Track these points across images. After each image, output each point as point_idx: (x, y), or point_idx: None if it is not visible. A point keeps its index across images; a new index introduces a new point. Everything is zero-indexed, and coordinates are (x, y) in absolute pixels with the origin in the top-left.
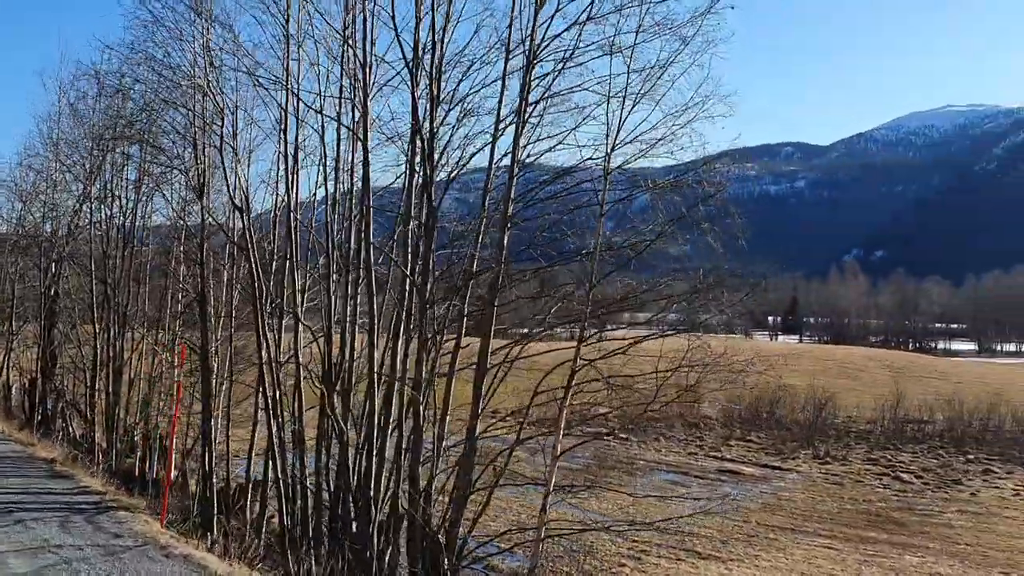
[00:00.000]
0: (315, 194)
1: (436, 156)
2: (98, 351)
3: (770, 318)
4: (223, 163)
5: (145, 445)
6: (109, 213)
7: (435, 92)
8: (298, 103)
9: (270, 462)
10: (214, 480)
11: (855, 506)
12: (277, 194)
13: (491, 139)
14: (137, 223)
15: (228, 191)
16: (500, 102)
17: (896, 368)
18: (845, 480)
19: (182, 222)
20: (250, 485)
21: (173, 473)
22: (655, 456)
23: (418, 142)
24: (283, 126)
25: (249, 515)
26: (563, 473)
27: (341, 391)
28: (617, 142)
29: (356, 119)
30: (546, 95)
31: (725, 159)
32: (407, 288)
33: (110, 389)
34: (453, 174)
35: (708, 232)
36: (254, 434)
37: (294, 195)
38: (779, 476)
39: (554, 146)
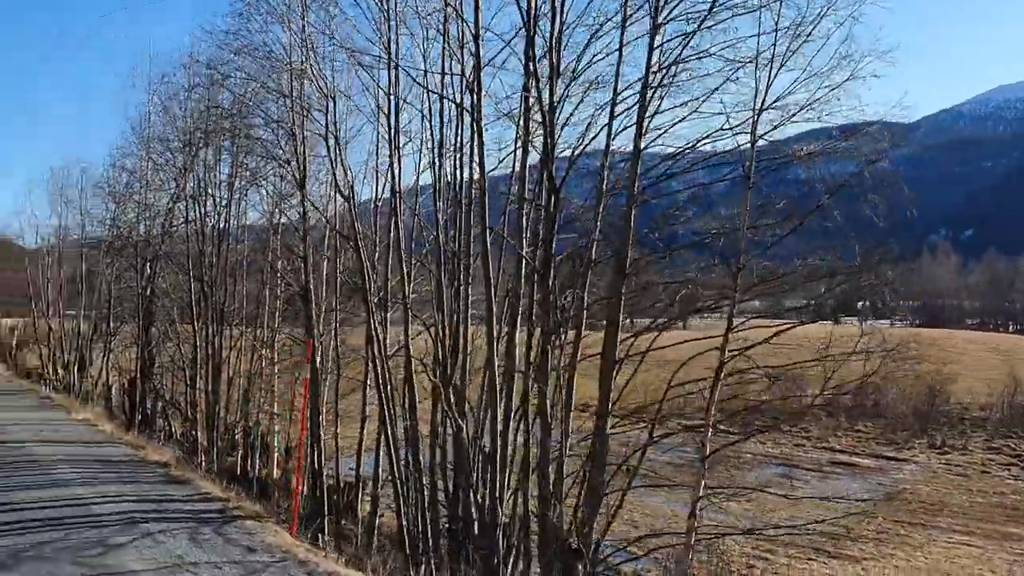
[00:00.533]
0: (417, 180)
1: (556, 133)
2: (197, 349)
3: (859, 303)
4: (328, 150)
5: (246, 443)
6: (203, 211)
7: (554, 62)
8: (398, 82)
9: (385, 459)
10: (323, 478)
11: (987, 499)
12: (376, 182)
13: (608, 113)
14: (231, 220)
15: (334, 179)
16: (618, 72)
17: (1003, 351)
18: (969, 471)
19: (278, 216)
20: (359, 483)
21: (276, 471)
22: (760, 448)
23: (538, 117)
24: (387, 108)
25: (360, 514)
26: (668, 469)
27: (457, 385)
28: (763, 106)
29: (463, 95)
30: (677, 60)
31: (876, 126)
32: (523, 275)
33: (210, 387)
34: (577, 152)
35: (874, 203)
36: (363, 430)
37: (398, 181)
38: (896, 467)
39: (686, 116)
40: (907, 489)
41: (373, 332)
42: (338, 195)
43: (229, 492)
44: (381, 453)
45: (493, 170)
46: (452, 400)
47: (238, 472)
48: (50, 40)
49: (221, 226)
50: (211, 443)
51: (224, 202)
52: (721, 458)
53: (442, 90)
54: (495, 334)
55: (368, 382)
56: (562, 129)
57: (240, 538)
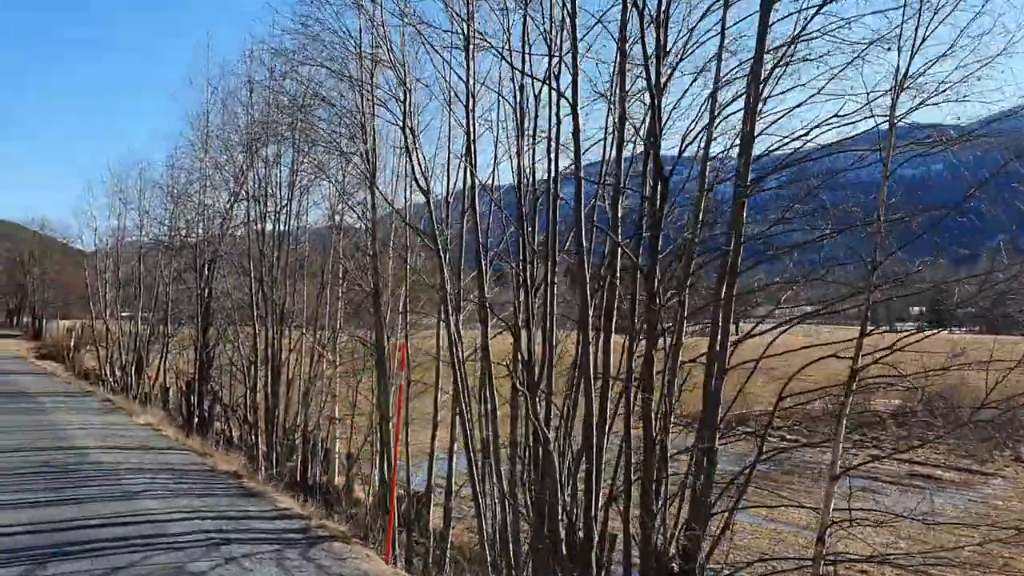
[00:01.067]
0: (494, 172)
1: (663, 118)
2: (256, 352)
3: (913, 309)
4: (406, 141)
5: (305, 448)
6: (263, 210)
7: (662, 39)
8: (474, 65)
9: (472, 469)
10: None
11: None
12: (447, 175)
13: (711, 95)
14: (292, 219)
15: (412, 172)
16: (720, 51)
17: None
18: None
19: (340, 215)
20: (430, 494)
21: (338, 478)
22: (829, 458)
23: (646, 99)
24: (464, 94)
25: (431, 527)
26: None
27: (544, 393)
28: (902, 86)
29: (550, 76)
30: (801, 35)
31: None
32: (617, 274)
33: (269, 390)
34: (689, 139)
35: None
36: (434, 438)
37: (474, 171)
38: (982, 481)
39: (805, 100)
40: (1000, 505)
41: (454, 333)
42: (409, 189)
43: (308, 508)
44: (453, 462)
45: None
46: (538, 408)
47: (298, 478)
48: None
49: (281, 227)
50: (270, 447)
51: (285, 201)
52: (791, 468)
53: (528, 69)
54: (590, 338)
55: (439, 387)
56: (670, 112)
57: (331, 564)
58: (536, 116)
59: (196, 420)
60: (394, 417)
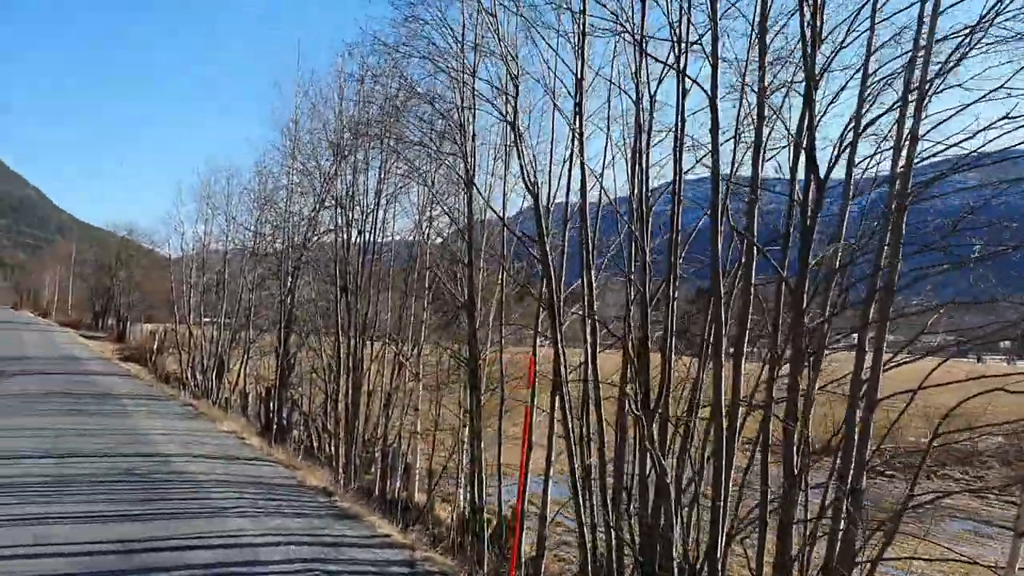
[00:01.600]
0: (602, 175)
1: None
2: (340, 361)
3: (1003, 343)
4: (517, 138)
5: (384, 462)
6: (349, 217)
7: (817, 25)
8: (584, 60)
9: (578, 495)
10: (483, 510)
11: None
12: (550, 178)
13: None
14: (378, 226)
15: (522, 171)
16: (869, 45)
17: None
18: None
19: (428, 222)
20: (523, 519)
21: (418, 495)
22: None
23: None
24: (576, 90)
25: (522, 555)
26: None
27: (663, 418)
28: None
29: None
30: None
31: None
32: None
33: (349, 401)
34: (847, 141)
35: None
36: (526, 460)
37: (585, 173)
38: None
39: (983, 97)
40: None
41: (559, 349)
42: (507, 194)
43: (410, 536)
44: (550, 488)
45: (690, 169)
46: (654, 435)
47: (376, 492)
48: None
49: (368, 235)
50: (349, 459)
51: (371, 207)
52: (891, 504)
53: (645, 62)
54: (723, 358)
55: (535, 405)
56: (826, 110)
57: None
58: (652, 114)
59: (275, 427)
60: (492, 432)
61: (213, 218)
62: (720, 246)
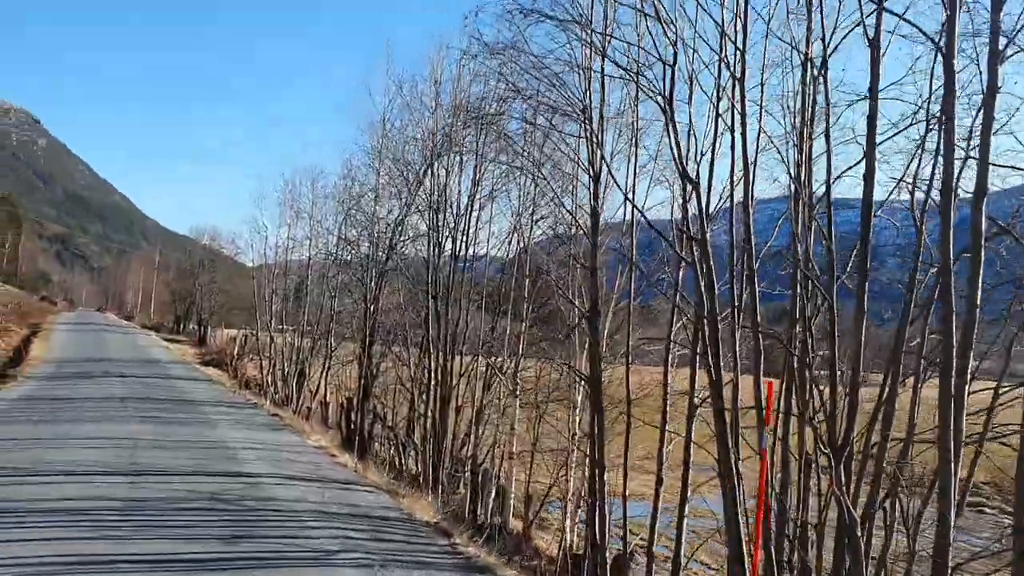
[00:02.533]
0: (752, 173)
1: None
2: (430, 373)
3: None
4: (670, 118)
5: (474, 482)
6: (440, 220)
7: None
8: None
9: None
10: (605, 547)
11: None
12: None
13: None
14: (471, 230)
15: (676, 158)
16: None
17: None
18: None
19: (528, 225)
20: (651, 556)
21: (512, 521)
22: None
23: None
24: (738, 63)
25: None
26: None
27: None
28: None
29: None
30: None
31: None
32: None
33: (437, 416)
34: None
35: None
36: (659, 492)
37: (749, 163)
38: None
39: None
40: None
41: (718, 366)
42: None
43: None
44: (684, 525)
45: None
46: (841, 477)
47: (466, 514)
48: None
49: (460, 241)
50: (435, 478)
51: (465, 208)
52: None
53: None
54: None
55: (668, 428)
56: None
57: None
58: (814, 100)
59: (357, 439)
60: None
61: (296, 221)
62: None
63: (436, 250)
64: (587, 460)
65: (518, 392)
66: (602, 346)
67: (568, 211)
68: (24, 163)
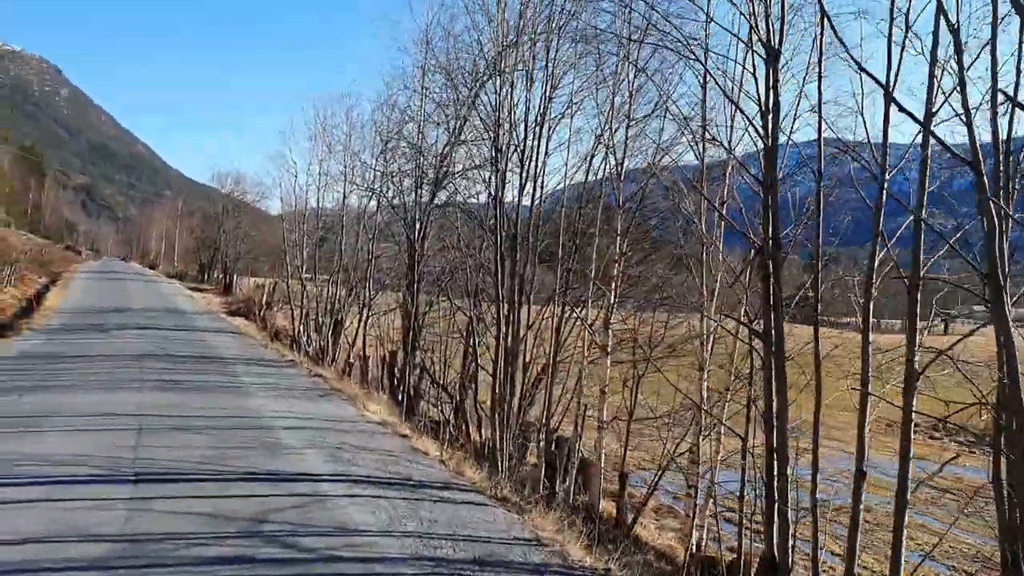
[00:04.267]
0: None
1: None
2: (499, 323)
3: None
4: None
5: (549, 452)
6: (502, 141)
7: None
8: None
9: None
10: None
11: None
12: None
13: None
14: (541, 156)
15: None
16: None
17: None
18: None
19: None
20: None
21: (602, 500)
22: None
23: None
24: None
25: None
26: None
27: None
28: None
29: None
30: None
31: None
32: None
33: (502, 375)
34: None
35: None
36: (858, 495)
37: None
38: None
39: None
40: None
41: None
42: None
43: None
44: (904, 542)
45: None
46: None
47: (540, 488)
48: None
49: (527, 170)
50: (500, 445)
51: (533, 127)
52: None
53: None
54: None
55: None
56: None
57: None
58: None
59: (402, 397)
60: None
61: (329, 157)
62: None
63: (498, 179)
64: (764, 446)
65: (609, 349)
66: (780, 290)
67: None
68: (47, 114)
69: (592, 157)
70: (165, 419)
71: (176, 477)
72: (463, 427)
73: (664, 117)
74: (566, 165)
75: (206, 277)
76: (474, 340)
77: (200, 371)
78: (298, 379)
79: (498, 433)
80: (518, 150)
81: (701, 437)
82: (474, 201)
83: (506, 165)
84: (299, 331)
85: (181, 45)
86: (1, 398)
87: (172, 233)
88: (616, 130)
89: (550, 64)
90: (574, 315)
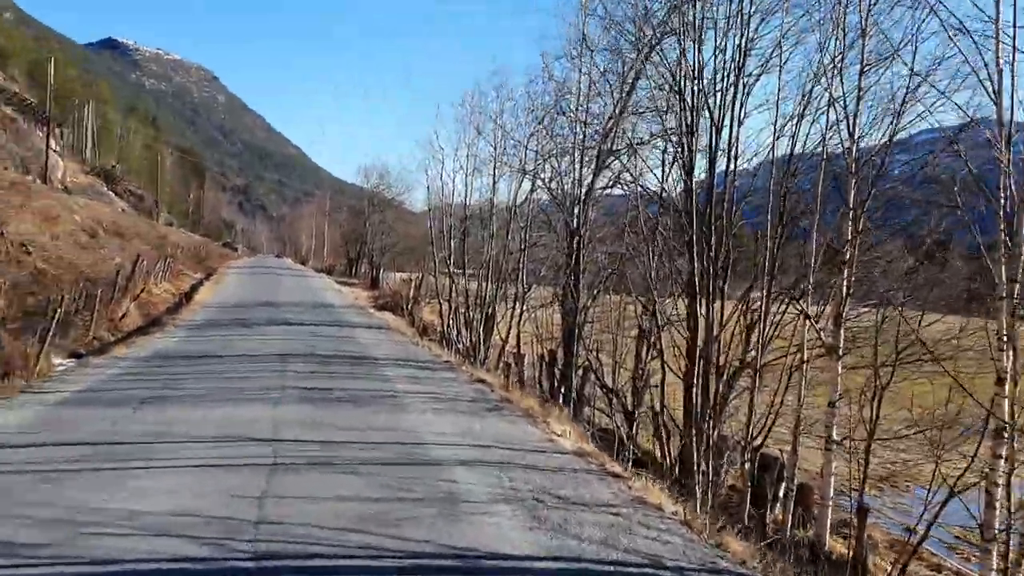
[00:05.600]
0: None
1: None
2: (695, 320)
3: None
4: None
5: (755, 474)
6: (690, 109)
7: None
8: None
9: None
10: None
11: None
12: None
13: None
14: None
15: None
16: None
17: None
18: None
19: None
20: None
21: (830, 540)
22: None
23: None
24: None
25: None
26: None
27: None
28: None
29: None
30: None
31: None
32: None
33: (696, 381)
34: None
35: None
36: None
37: None
38: None
39: None
40: None
41: None
42: None
43: None
44: None
45: None
46: None
47: (745, 518)
48: None
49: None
50: (696, 464)
51: (722, 97)
52: None
53: None
54: None
55: None
56: None
57: None
58: None
59: (562, 400)
60: None
61: (479, 138)
62: None
63: (687, 148)
64: None
65: (839, 350)
66: None
67: None
68: (205, 119)
69: (801, 118)
70: (306, 447)
71: (317, 568)
72: (631, 433)
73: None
74: (775, 127)
75: (353, 271)
76: (649, 339)
77: (348, 375)
78: (459, 386)
79: (692, 448)
80: (704, 116)
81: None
82: (646, 181)
83: (692, 133)
84: (448, 326)
85: (327, 49)
86: (112, 412)
87: (321, 229)
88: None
89: (745, 8)
90: (789, 309)
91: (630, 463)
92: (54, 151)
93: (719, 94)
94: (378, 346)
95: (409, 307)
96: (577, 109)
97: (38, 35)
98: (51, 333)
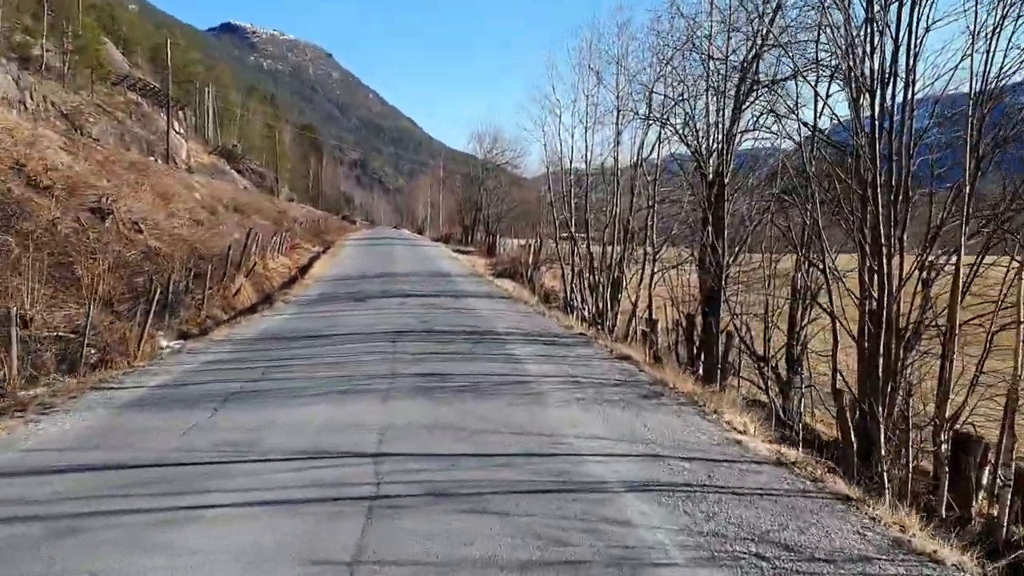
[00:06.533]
0: None
1: None
2: (873, 279)
3: None
4: None
5: (970, 465)
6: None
7: None
8: None
9: None
10: None
11: None
12: None
13: None
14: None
15: None
16: None
17: None
18: None
19: None
20: None
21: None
22: None
23: None
24: None
25: None
26: None
27: None
28: None
29: None
30: None
31: None
32: None
33: (875, 348)
34: None
35: None
36: None
37: None
38: None
39: None
40: None
41: None
42: None
43: None
44: None
45: None
46: None
47: (941, 510)
48: None
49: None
50: (880, 446)
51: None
52: None
53: None
54: None
55: None
56: None
57: None
58: None
59: (703, 370)
60: None
61: (599, 86)
62: None
63: (860, 78)
64: None
65: None
66: None
67: None
68: (321, 95)
69: (1000, 28)
70: (420, 464)
71: None
72: (787, 407)
73: None
74: (973, 35)
75: (469, 239)
76: (805, 299)
77: (469, 355)
78: (599, 364)
79: (877, 427)
80: (872, 35)
81: None
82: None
83: (875, 50)
84: (571, 292)
85: (439, 19)
86: (185, 416)
87: (436, 199)
88: None
89: None
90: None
91: (799, 446)
92: (177, 133)
93: (895, 4)
94: (500, 318)
95: (529, 274)
96: (711, 45)
97: (160, 23)
98: (151, 314)
